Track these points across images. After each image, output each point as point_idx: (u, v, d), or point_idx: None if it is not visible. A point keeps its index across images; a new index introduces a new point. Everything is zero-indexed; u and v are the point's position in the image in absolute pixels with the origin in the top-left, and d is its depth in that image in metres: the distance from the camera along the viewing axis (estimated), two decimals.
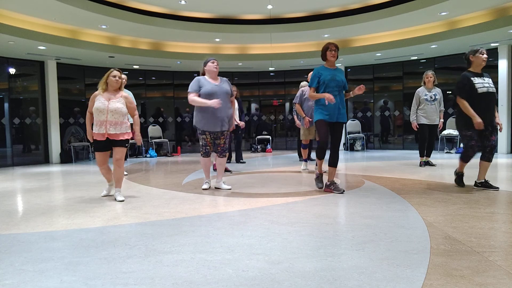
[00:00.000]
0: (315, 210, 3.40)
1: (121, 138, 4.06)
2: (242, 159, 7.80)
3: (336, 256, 2.22)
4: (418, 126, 6.33)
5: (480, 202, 3.58)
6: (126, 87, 5.81)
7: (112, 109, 3.99)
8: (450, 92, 9.84)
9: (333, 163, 4.22)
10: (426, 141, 6.38)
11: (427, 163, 6.51)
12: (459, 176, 4.47)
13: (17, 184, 5.67)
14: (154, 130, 10.63)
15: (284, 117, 12.74)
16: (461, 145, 9.08)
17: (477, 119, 4.01)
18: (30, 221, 3.27)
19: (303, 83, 6.50)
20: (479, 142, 4.17)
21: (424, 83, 6.38)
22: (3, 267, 2.19)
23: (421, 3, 6.93)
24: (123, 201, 4.04)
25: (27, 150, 9.27)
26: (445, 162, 6.98)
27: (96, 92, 4.10)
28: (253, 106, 12.73)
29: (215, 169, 6.14)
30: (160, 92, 11.89)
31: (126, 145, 4.14)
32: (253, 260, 2.20)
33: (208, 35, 8.64)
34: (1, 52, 7.97)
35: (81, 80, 9.94)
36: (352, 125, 10.61)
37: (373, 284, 1.82)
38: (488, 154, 4.17)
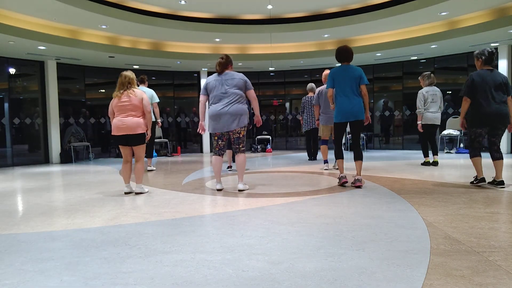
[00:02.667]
0: (315, 210, 3.40)
1: None
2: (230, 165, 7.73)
3: (336, 256, 2.22)
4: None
5: (480, 202, 3.58)
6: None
7: None
8: (450, 92, 9.86)
9: (357, 157, 4.59)
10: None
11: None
12: (480, 180, 4.40)
13: (17, 184, 5.67)
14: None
15: (284, 117, 12.74)
16: (461, 145, 9.10)
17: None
18: (30, 221, 3.27)
19: (313, 85, 7.58)
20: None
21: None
22: (3, 267, 2.19)
23: (421, 3, 6.93)
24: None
25: (31, 149, 9.28)
26: (445, 162, 6.98)
27: None
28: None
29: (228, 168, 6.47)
30: (160, 92, 11.83)
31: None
32: (253, 260, 2.19)
33: (208, 35, 8.64)
34: (1, 52, 7.97)
35: (81, 80, 9.94)
36: None
37: (373, 284, 1.82)
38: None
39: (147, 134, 4.48)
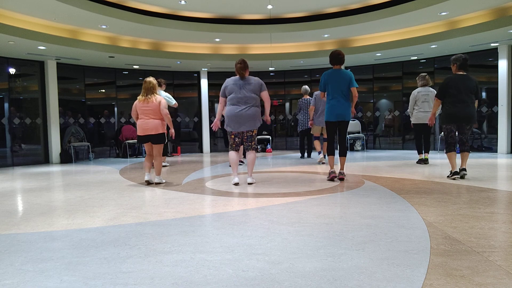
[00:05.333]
0: (315, 210, 3.40)
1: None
2: (241, 160, 7.80)
3: (336, 256, 2.22)
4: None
5: (480, 202, 3.58)
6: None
7: None
8: None
9: (342, 154, 5.10)
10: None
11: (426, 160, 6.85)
12: (453, 173, 4.96)
13: (17, 184, 5.67)
14: None
15: (284, 117, 12.74)
16: None
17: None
18: (30, 221, 3.27)
19: (307, 88, 8.32)
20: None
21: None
22: (3, 267, 2.19)
23: (421, 3, 6.93)
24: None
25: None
26: (446, 162, 6.98)
27: None
28: None
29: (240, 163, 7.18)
30: None
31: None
32: (253, 260, 2.20)
33: (208, 35, 8.64)
34: (1, 52, 7.97)
35: (81, 80, 9.94)
36: (352, 125, 10.57)
37: (373, 284, 1.82)
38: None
39: (169, 133, 5.34)
